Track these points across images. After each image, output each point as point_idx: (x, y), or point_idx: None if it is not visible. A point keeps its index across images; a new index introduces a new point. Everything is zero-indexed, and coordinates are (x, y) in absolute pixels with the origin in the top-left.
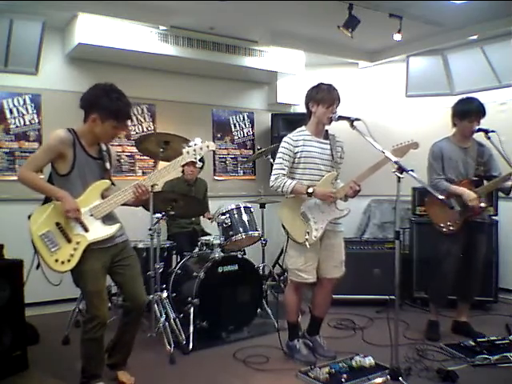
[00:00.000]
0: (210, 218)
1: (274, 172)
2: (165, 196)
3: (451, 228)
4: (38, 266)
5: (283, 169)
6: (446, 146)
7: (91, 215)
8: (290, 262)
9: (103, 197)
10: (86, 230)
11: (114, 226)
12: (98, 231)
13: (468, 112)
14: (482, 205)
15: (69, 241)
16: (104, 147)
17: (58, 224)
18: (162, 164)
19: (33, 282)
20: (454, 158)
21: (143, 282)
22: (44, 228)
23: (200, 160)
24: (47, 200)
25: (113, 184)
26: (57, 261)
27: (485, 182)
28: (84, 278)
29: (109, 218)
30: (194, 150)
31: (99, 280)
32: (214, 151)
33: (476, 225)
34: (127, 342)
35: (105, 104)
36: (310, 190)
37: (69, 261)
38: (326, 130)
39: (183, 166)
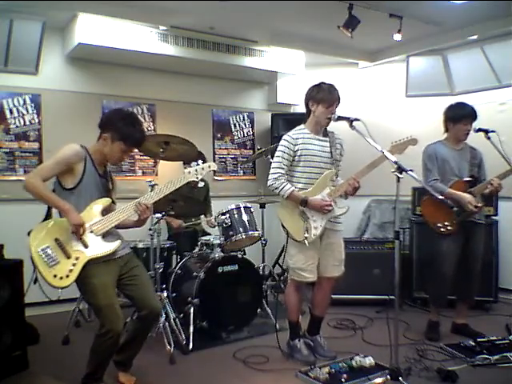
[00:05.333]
0: (211, 225)
1: (272, 170)
2: (165, 196)
3: (449, 228)
4: (36, 280)
5: (282, 168)
6: (440, 148)
7: (91, 231)
8: (291, 260)
9: (104, 214)
10: (86, 246)
11: (113, 243)
12: (98, 248)
13: (463, 115)
14: (479, 204)
15: (68, 256)
16: (108, 168)
17: (56, 240)
18: (162, 164)
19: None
20: (448, 159)
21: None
22: (43, 244)
23: (202, 180)
24: (47, 217)
25: (113, 202)
26: (55, 276)
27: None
28: (95, 292)
29: (110, 235)
30: (196, 170)
31: (110, 293)
32: (213, 151)
33: (473, 225)
34: (137, 344)
35: (118, 126)
36: (304, 204)
37: (67, 276)
38: (325, 128)
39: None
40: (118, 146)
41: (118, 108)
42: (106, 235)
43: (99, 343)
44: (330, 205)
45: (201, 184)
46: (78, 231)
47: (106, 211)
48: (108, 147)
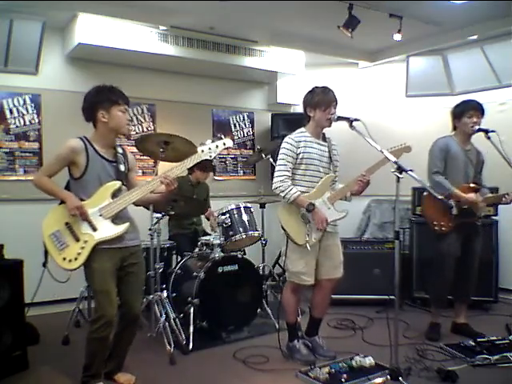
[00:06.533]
0: (208, 218)
1: (278, 173)
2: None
3: (443, 228)
4: (45, 264)
5: (288, 170)
6: (451, 143)
7: (100, 215)
8: (291, 264)
9: (114, 198)
10: (94, 229)
11: (122, 226)
12: (106, 230)
13: (466, 108)
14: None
15: (77, 240)
16: (120, 150)
17: (67, 224)
18: (162, 164)
19: (33, 282)
20: (457, 157)
21: (144, 284)
22: (54, 227)
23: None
24: (63, 202)
25: (124, 185)
26: (64, 259)
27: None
28: (93, 276)
29: (120, 218)
30: (210, 149)
31: (108, 280)
32: None
33: (471, 226)
34: (122, 350)
35: (101, 98)
36: (311, 208)
37: (76, 259)
38: (323, 133)
39: (193, 169)
40: (116, 110)
41: (86, 94)
42: (116, 219)
43: (91, 330)
44: (327, 223)
45: (215, 162)
46: (76, 213)
47: (115, 195)
48: (111, 120)
